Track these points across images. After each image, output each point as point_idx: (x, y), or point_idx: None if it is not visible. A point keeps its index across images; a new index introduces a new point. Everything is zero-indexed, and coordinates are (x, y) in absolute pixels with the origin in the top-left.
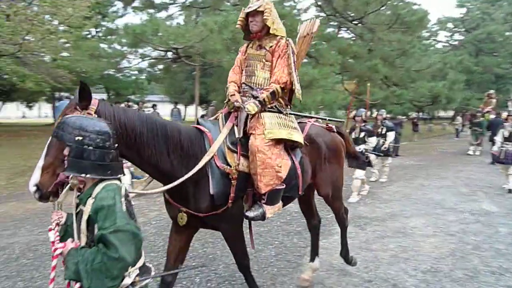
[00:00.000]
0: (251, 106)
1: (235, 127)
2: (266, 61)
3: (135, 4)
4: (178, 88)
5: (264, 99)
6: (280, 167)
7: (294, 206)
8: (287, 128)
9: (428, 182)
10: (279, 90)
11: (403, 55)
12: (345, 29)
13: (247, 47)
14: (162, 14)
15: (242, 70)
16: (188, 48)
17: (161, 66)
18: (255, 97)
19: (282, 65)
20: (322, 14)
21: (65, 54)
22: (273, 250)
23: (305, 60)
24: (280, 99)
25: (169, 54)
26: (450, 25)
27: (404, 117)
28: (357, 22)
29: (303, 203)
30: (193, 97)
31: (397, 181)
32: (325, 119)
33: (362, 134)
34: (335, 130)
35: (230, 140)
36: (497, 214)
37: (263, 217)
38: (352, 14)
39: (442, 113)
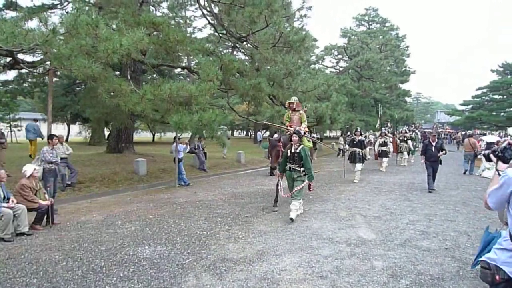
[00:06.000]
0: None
1: None
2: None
3: None
4: (55, 104)
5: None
6: None
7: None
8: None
9: (309, 206)
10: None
11: (290, 76)
12: (240, 49)
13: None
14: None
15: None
16: (30, 51)
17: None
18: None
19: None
20: (216, 33)
21: None
22: None
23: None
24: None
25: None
26: (335, 52)
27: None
28: (244, 40)
29: None
30: (77, 115)
31: (279, 207)
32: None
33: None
34: None
35: None
36: (373, 242)
37: None
38: (239, 32)
39: (334, 133)
